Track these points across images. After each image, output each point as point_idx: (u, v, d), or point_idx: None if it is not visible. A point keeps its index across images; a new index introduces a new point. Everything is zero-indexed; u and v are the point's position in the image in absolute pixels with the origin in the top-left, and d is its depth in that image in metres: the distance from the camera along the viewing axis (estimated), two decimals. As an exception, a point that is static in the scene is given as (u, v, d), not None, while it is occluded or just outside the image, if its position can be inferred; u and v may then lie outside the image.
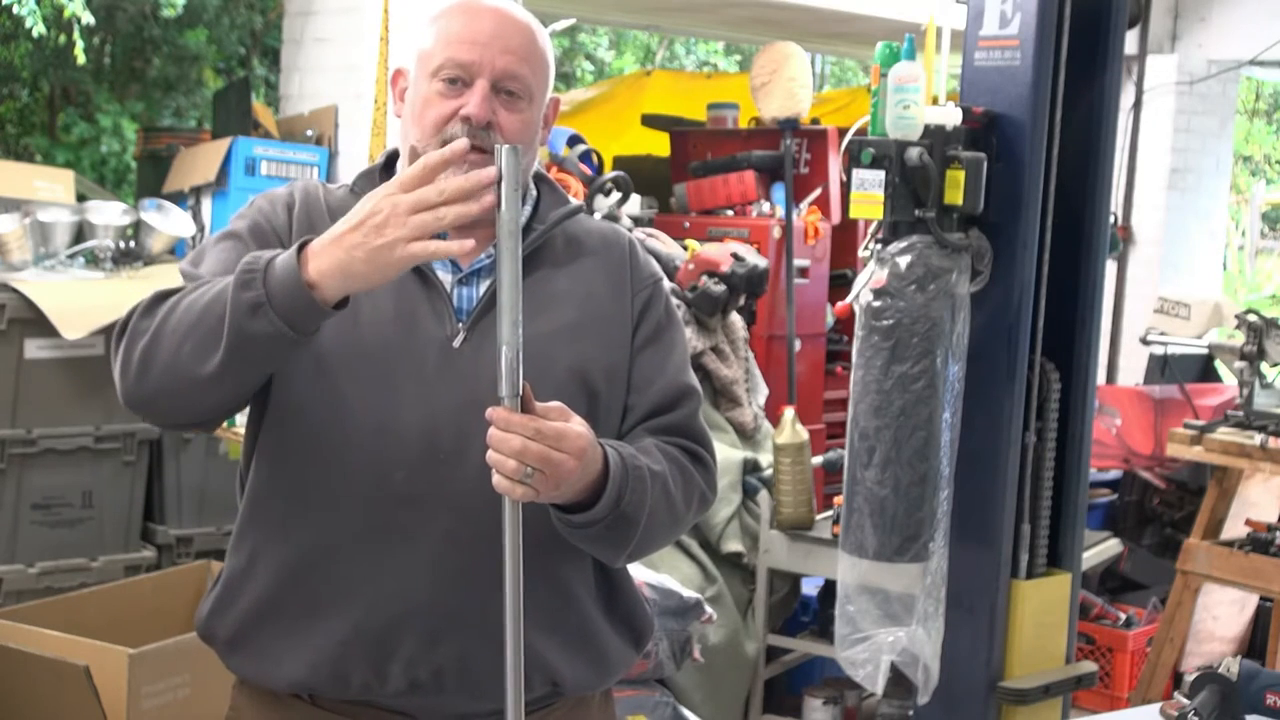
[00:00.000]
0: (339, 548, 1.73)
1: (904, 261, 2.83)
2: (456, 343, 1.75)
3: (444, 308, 1.76)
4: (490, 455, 1.57)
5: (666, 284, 1.97)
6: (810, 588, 4.49)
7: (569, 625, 1.80)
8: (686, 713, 3.58)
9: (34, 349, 3.84)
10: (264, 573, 1.78)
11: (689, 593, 3.57)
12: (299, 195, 1.84)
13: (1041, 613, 3.06)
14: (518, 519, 1.59)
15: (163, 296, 1.67)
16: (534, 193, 1.89)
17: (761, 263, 4.53)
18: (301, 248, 1.58)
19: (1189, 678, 2.42)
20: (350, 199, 1.82)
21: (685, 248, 4.65)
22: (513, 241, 1.55)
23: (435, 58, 1.79)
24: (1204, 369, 6.10)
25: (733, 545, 4.14)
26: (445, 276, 1.80)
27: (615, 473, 1.69)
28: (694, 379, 1.93)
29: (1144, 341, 5.71)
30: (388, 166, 1.89)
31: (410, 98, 1.82)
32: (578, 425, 1.62)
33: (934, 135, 2.86)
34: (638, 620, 1.91)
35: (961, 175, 2.85)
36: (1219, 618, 4.87)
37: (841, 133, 3.53)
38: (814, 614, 4.41)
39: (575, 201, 1.92)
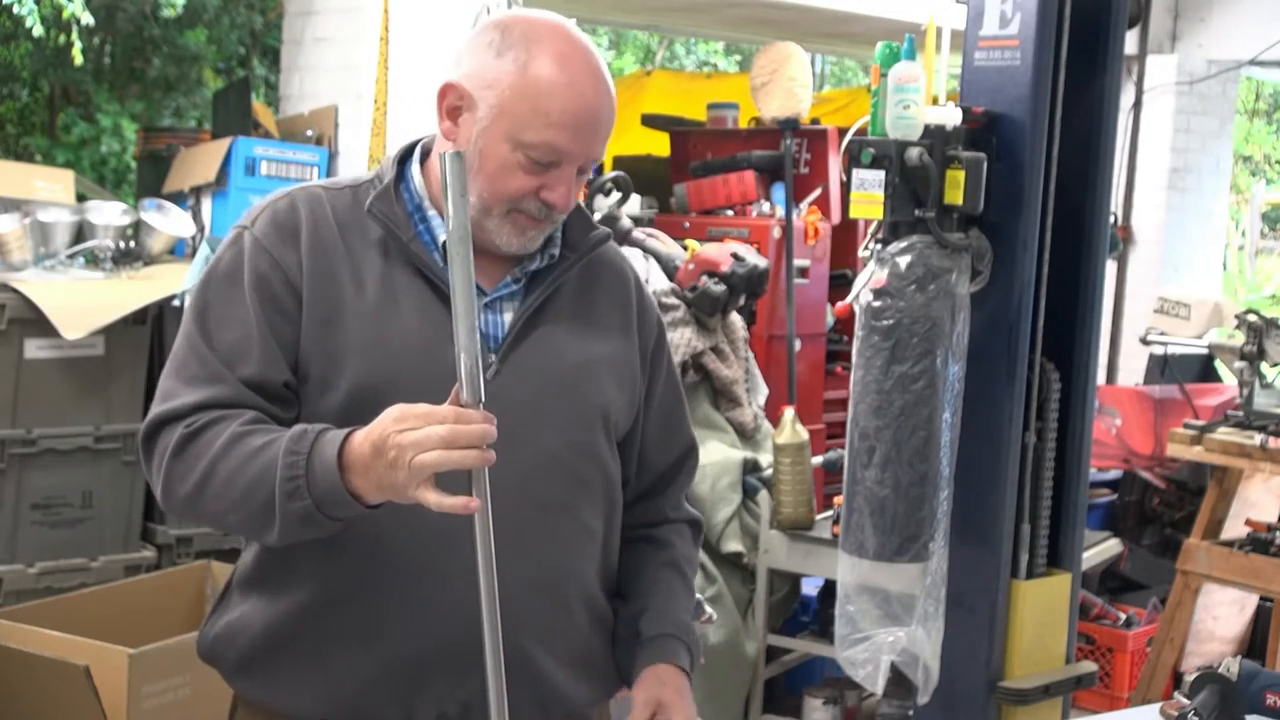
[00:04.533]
0: (364, 584, 1.71)
1: (904, 261, 2.83)
2: (489, 375, 1.71)
3: None
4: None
5: (663, 323, 1.97)
6: (810, 588, 4.49)
7: (580, 651, 1.81)
8: (686, 713, 3.57)
9: (34, 349, 3.84)
10: (284, 607, 1.74)
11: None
12: (305, 214, 1.74)
13: (1041, 613, 3.06)
14: (487, 516, 1.56)
15: (188, 440, 1.64)
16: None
17: (761, 263, 4.52)
18: (342, 446, 1.57)
19: (1189, 678, 2.41)
20: (358, 209, 1.75)
21: (685, 248, 4.65)
22: (463, 248, 1.51)
23: (528, 130, 1.67)
24: (1204, 369, 6.10)
25: (733, 545, 4.14)
26: None
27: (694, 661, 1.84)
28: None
29: (1144, 341, 5.71)
30: (403, 167, 1.82)
31: (480, 144, 1.70)
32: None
33: (934, 135, 2.86)
34: None
35: (961, 175, 2.84)
36: (1219, 618, 4.87)
37: (841, 133, 3.53)
38: (814, 614, 4.41)
39: (602, 229, 1.87)
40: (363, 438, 1.55)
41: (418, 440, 1.50)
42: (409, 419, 1.52)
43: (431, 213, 1.77)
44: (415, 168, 1.80)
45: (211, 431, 1.63)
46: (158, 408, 1.69)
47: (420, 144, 1.83)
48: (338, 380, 1.69)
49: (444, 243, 1.74)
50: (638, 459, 1.90)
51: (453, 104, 1.73)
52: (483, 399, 1.53)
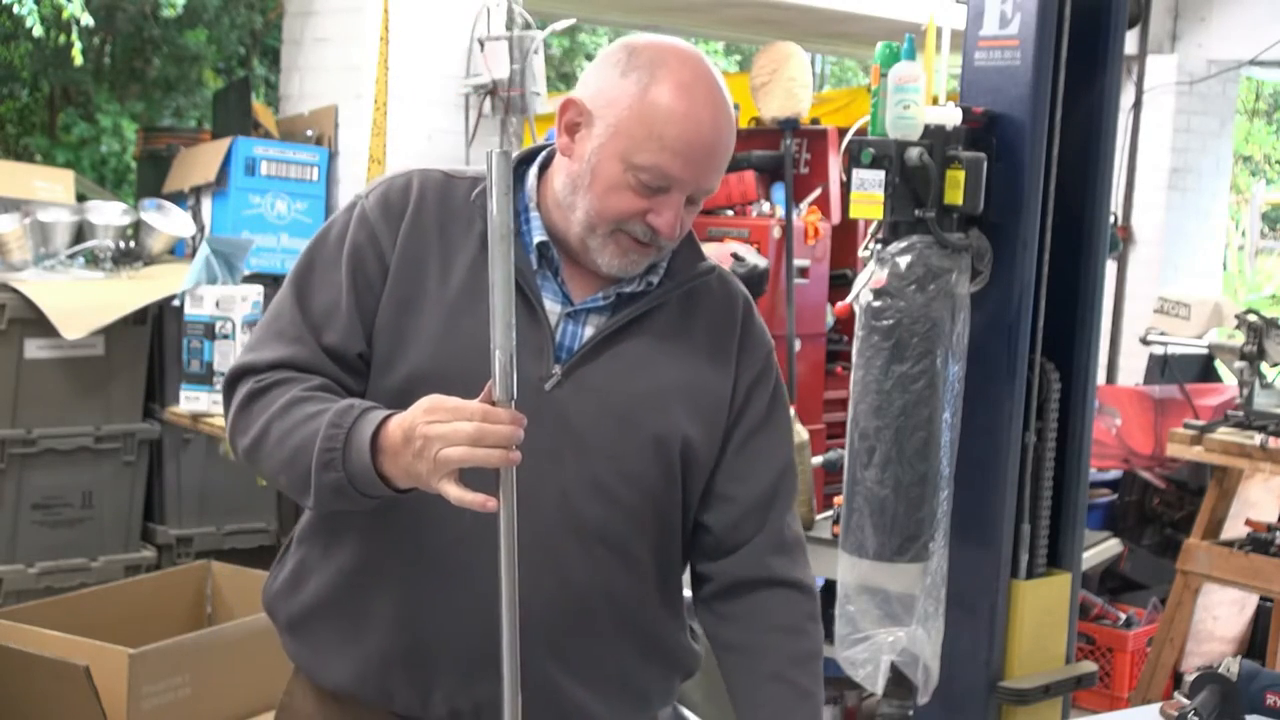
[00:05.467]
0: (399, 569, 1.73)
1: (904, 261, 2.83)
2: (548, 385, 1.71)
3: (546, 345, 1.72)
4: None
5: (774, 356, 1.90)
6: (810, 588, 4.48)
7: (610, 672, 1.79)
8: (686, 713, 3.57)
9: (34, 349, 3.84)
10: (331, 570, 1.77)
11: (689, 593, 3.57)
12: (415, 197, 1.76)
13: (1041, 613, 3.06)
14: (512, 515, 1.56)
15: (255, 395, 1.69)
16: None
17: (761, 263, 4.52)
18: (378, 429, 1.58)
19: (1189, 678, 2.41)
20: (470, 208, 1.75)
21: (685, 248, 4.64)
22: (504, 245, 1.51)
23: (641, 153, 1.67)
24: (1204, 369, 6.10)
25: (733, 545, 4.13)
26: (554, 308, 1.74)
27: None
28: (794, 463, 1.90)
29: (1144, 341, 5.71)
30: (523, 169, 1.81)
31: (593, 161, 1.70)
32: None
33: (934, 135, 2.86)
34: (686, 656, 1.90)
35: (961, 175, 2.84)
36: (1219, 618, 4.87)
37: (841, 133, 3.53)
38: (814, 614, 4.40)
39: (710, 262, 1.84)
40: (395, 424, 1.58)
41: (444, 434, 1.52)
42: (438, 411, 1.54)
43: (535, 215, 1.76)
44: (534, 170, 1.80)
45: (275, 391, 1.69)
46: (243, 356, 1.75)
47: (546, 150, 1.82)
48: (398, 363, 1.72)
49: (540, 242, 1.75)
50: (715, 490, 1.83)
51: (572, 120, 1.72)
52: (514, 398, 1.53)
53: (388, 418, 1.59)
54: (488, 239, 1.54)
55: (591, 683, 1.77)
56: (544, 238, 1.75)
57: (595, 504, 1.73)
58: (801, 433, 4.13)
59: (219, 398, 2.70)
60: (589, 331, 1.75)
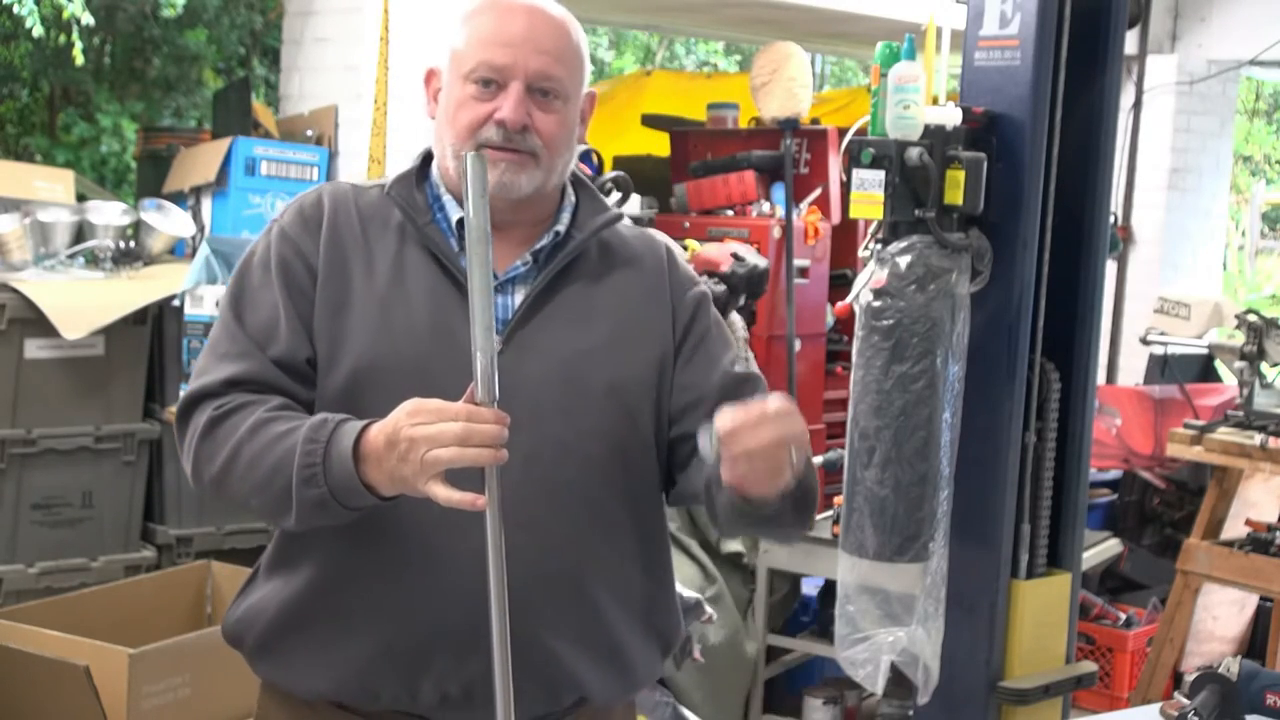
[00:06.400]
0: (370, 566, 1.73)
1: (904, 261, 2.83)
2: None
3: None
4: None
5: (707, 288, 1.93)
6: (810, 588, 4.49)
7: (598, 638, 1.79)
8: (686, 713, 3.58)
9: (34, 349, 3.84)
10: (296, 584, 1.77)
11: (689, 593, 3.57)
12: (328, 207, 1.82)
13: (1041, 613, 3.06)
14: (498, 513, 1.57)
15: (217, 421, 1.69)
16: (572, 199, 1.87)
17: (761, 263, 4.52)
18: (359, 437, 1.59)
19: (1189, 678, 2.42)
20: (385, 202, 1.82)
21: (685, 248, 4.65)
22: (482, 247, 1.55)
23: (467, 59, 1.78)
24: (1204, 369, 6.10)
25: (733, 545, 4.13)
26: None
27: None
28: (754, 367, 1.91)
29: (1144, 341, 5.71)
30: (424, 165, 1.89)
31: (444, 100, 1.82)
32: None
33: (934, 135, 2.86)
34: (668, 628, 1.90)
35: (961, 175, 2.85)
36: (1219, 618, 4.87)
37: (841, 133, 3.53)
38: (814, 614, 4.41)
39: (614, 209, 1.88)
40: (377, 430, 1.59)
41: (430, 435, 1.54)
42: (422, 413, 1.55)
43: (447, 198, 1.83)
44: (435, 160, 1.88)
45: (238, 415, 1.69)
46: (192, 384, 1.76)
47: None
48: (339, 363, 1.74)
49: (458, 220, 1.79)
50: (679, 402, 1.83)
51: (435, 87, 1.86)
52: (496, 398, 1.55)
53: (366, 426, 1.60)
54: (465, 236, 1.57)
55: (582, 645, 1.77)
56: (460, 214, 1.79)
57: (563, 465, 1.74)
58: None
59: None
60: (518, 300, 1.78)
